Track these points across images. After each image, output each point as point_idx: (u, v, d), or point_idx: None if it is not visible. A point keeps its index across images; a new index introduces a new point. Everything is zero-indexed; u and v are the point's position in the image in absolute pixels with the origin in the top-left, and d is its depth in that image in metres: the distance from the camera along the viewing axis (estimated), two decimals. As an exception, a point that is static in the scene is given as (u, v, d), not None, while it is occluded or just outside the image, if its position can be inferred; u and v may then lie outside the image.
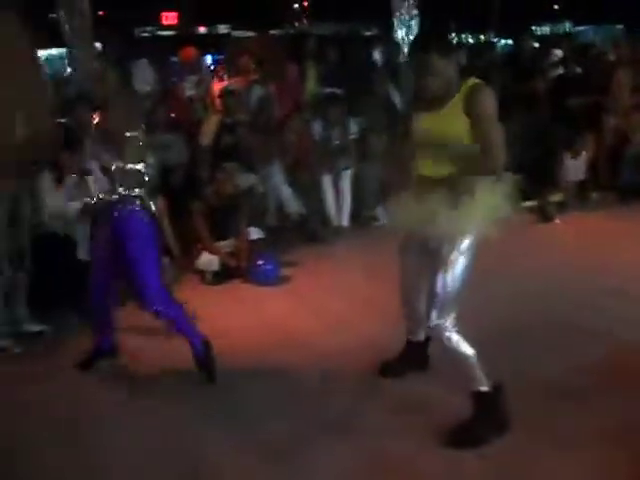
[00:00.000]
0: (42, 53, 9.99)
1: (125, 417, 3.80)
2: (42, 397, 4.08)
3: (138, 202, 4.05)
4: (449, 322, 3.36)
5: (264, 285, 5.90)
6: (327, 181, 7.43)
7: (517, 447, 3.29)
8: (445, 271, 3.39)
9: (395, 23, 11.67)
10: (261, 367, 4.34)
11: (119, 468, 3.34)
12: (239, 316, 5.24)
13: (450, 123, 3.31)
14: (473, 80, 3.35)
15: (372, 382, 4.05)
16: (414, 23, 11.71)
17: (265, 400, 3.92)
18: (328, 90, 8.23)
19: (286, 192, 7.20)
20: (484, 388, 3.37)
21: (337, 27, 16.22)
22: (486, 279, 5.52)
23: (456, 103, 3.30)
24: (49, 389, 4.17)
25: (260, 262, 6.03)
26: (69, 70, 8.73)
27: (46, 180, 5.59)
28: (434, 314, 3.37)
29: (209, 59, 12.20)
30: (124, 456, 3.42)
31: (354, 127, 7.66)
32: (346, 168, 7.48)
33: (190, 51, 8.15)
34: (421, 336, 4.06)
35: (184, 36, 16.71)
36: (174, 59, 10.07)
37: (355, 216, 7.59)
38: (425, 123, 3.43)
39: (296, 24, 18.00)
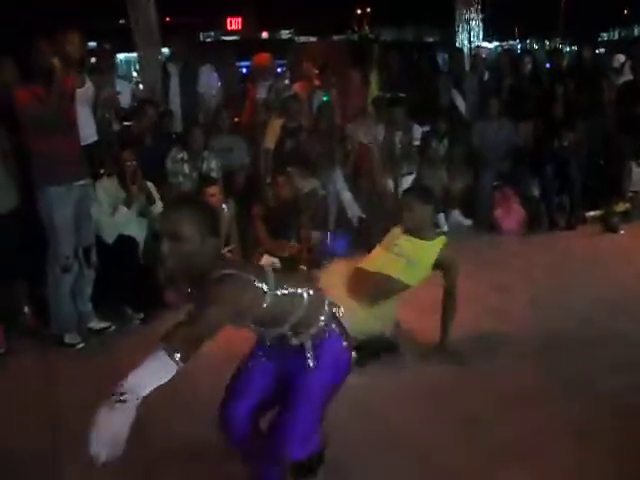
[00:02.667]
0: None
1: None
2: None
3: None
4: None
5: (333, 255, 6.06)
6: (389, 186, 7.42)
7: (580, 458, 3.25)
8: None
9: (458, 28, 11.60)
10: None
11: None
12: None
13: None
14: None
15: (435, 383, 4.03)
16: (478, 28, 11.63)
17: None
18: (391, 96, 8.21)
19: (347, 196, 7.21)
20: None
21: (400, 33, 16.18)
22: (554, 294, 5.52)
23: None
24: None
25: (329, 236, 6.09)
26: (135, 75, 8.92)
27: (110, 182, 5.74)
28: None
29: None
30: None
31: (417, 132, 7.64)
32: (408, 173, 7.46)
33: (264, 56, 8.24)
34: None
35: (247, 41, 16.89)
36: (238, 63, 10.22)
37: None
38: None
39: (358, 30, 18.01)
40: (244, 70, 11.86)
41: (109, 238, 5.57)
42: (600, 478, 3.11)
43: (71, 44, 5.08)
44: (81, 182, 5.04)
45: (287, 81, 8.53)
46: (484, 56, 9.97)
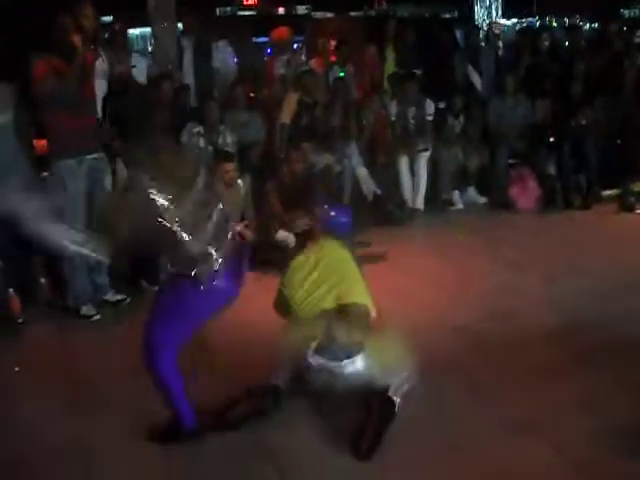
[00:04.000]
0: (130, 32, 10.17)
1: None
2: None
3: None
4: None
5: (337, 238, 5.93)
6: (404, 163, 7.41)
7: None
8: None
9: (476, 5, 11.51)
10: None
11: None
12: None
13: None
14: None
15: (450, 360, 4.05)
16: (495, 5, 11.53)
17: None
18: (406, 71, 8.17)
19: (362, 172, 7.20)
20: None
21: (417, 9, 16.04)
22: (569, 273, 5.50)
23: None
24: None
25: (333, 213, 6.04)
26: (150, 48, 8.91)
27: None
28: None
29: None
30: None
31: (430, 108, 7.60)
32: (423, 150, 7.44)
33: (283, 31, 8.21)
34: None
35: (263, 16, 16.76)
36: (254, 39, 10.20)
37: (431, 199, 7.54)
38: None
39: (375, 6, 17.84)
40: (261, 46, 11.85)
41: None
42: (614, 451, 3.11)
43: (85, 18, 5.08)
44: (94, 155, 5.08)
45: (303, 57, 8.50)
46: (498, 32, 9.86)
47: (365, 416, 3.33)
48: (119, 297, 5.36)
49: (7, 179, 4.53)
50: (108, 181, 5.41)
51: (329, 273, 3.73)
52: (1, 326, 4.90)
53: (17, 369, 4.35)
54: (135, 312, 5.07)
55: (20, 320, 5.04)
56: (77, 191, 4.95)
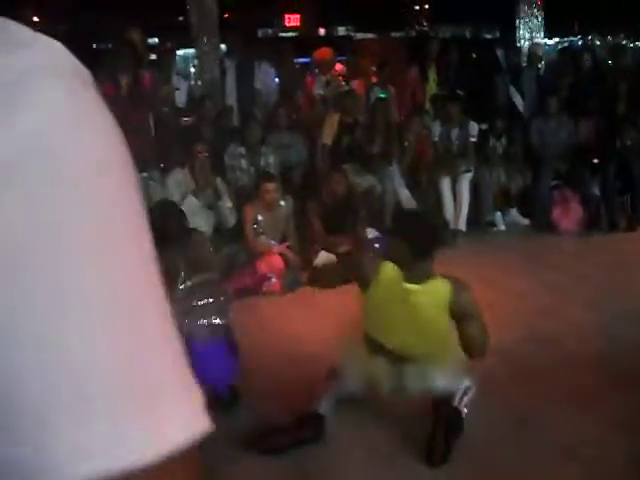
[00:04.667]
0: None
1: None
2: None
3: None
4: None
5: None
6: (446, 184, 7.39)
7: None
8: None
9: (518, 25, 11.45)
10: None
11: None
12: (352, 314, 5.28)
13: None
14: None
15: (490, 382, 4.02)
16: (538, 24, 11.46)
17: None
18: (448, 93, 8.18)
19: (404, 193, 7.20)
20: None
21: (458, 29, 16.05)
22: (611, 296, 5.42)
23: None
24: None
25: (377, 245, 6.06)
26: (192, 70, 9.04)
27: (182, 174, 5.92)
28: None
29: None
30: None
31: (474, 129, 7.59)
32: (466, 171, 7.42)
33: (326, 50, 8.29)
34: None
35: (305, 38, 16.92)
36: (296, 60, 10.25)
37: (473, 221, 7.50)
38: None
39: (417, 26, 17.89)
40: (303, 66, 11.94)
41: None
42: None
43: (140, 42, 5.20)
44: (144, 174, 5.18)
45: (341, 78, 8.55)
46: (540, 53, 9.82)
47: (433, 425, 3.35)
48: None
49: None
50: None
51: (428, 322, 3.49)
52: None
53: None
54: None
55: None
56: None
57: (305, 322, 5.04)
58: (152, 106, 5.96)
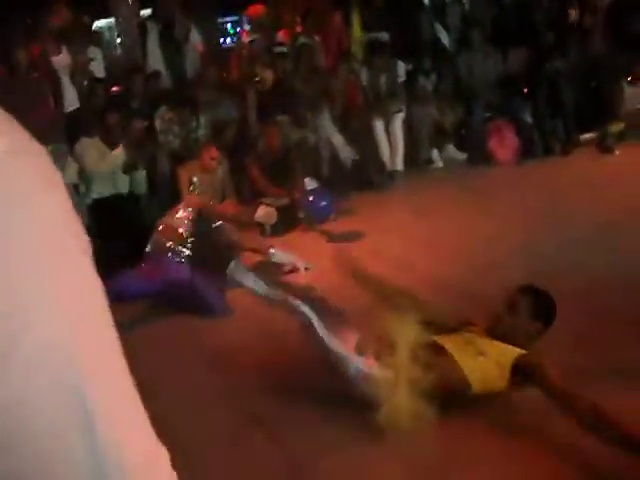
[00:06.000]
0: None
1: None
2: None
3: None
4: None
5: (319, 222, 5.97)
6: (379, 126, 7.39)
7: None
8: None
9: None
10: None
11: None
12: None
13: None
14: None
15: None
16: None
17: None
18: (373, 36, 8.13)
19: (338, 140, 7.19)
20: None
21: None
22: (550, 220, 5.50)
23: None
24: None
25: (311, 198, 6.05)
26: (119, 40, 8.85)
27: (92, 145, 5.80)
28: None
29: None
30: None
31: (401, 69, 7.59)
32: (397, 112, 7.42)
33: (258, 7, 8.19)
34: None
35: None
36: (222, 19, 10.12)
37: (410, 160, 7.54)
38: None
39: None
40: (229, 25, 11.73)
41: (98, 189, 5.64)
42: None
43: (52, 13, 5.08)
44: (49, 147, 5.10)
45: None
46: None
47: None
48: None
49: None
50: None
51: None
52: None
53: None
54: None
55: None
56: None
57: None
58: (53, 79, 5.83)
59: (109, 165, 5.84)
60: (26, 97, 5.00)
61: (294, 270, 5.03)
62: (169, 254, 4.73)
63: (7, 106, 0.53)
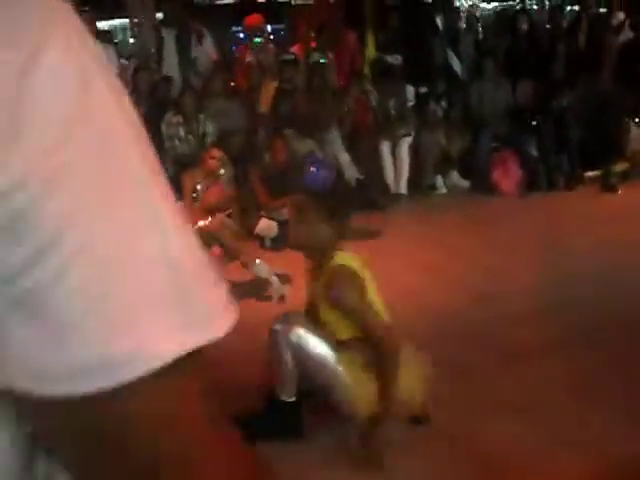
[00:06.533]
0: (105, 24, 10.12)
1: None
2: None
3: None
4: None
5: (319, 190, 5.93)
6: (385, 148, 7.39)
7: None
8: None
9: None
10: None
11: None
12: (297, 281, 5.25)
13: None
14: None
15: (435, 344, 4.03)
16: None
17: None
18: (386, 57, 8.16)
19: (344, 158, 7.17)
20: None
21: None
22: (552, 254, 5.50)
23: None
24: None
25: (313, 169, 6.01)
26: (131, 41, 8.86)
27: None
28: None
29: (269, 29, 12.28)
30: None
31: (410, 94, 7.60)
32: (405, 135, 7.43)
33: (256, 17, 8.20)
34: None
35: (243, 4, 16.65)
36: (234, 28, 10.13)
37: (414, 184, 7.53)
38: None
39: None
40: (240, 35, 11.78)
41: None
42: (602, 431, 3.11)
43: None
44: None
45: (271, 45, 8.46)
46: (478, 17, 9.87)
47: None
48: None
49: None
50: None
51: None
52: None
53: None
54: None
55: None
56: None
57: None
58: None
59: None
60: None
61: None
62: None
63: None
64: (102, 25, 9.80)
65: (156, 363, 0.46)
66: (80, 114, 0.45)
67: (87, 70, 0.47)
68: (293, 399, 3.18)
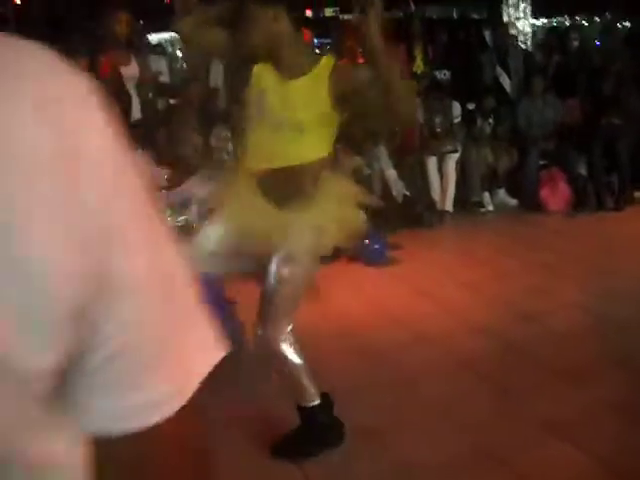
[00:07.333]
0: (157, 37, 10.27)
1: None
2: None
3: None
4: (279, 333, 2.98)
5: (372, 265, 5.93)
6: (432, 164, 7.37)
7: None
8: (277, 284, 2.95)
9: (505, 4, 11.41)
10: (364, 346, 4.38)
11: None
12: (343, 296, 5.29)
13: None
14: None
15: (480, 362, 4.01)
16: (525, 5, 11.43)
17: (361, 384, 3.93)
18: (434, 73, 8.14)
19: (391, 174, 7.16)
20: (310, 403, 3.09)
21: (445, 10, 16.00)
22: (599, 275, 5.43)
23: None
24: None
25: (367, 242, 6.05)
26: (180, 54, 8.96)
27: None
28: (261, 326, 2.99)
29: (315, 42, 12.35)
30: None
31: (457, 110, 7.56)
32: (452, 152, 7.40)
33: (305, 34, 8.23)
34: None
35: (291, 19, 16.73)
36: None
37: (461, 201, 7.49)
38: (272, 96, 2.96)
39: (403, 6, 17.77)
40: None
41: None
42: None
43: (119, 23, 5.14)
44: None
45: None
46: (529, 32, 9.79)
47: None
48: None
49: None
50: None
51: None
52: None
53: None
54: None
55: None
56: None
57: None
58: (122, 89, 5.88)
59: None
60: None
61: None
62: None
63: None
64: (153, 38, 9.92)
65: (189, 394, 0.62)
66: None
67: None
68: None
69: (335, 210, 3.00)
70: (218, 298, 3.79)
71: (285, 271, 2.93)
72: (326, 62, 2.95)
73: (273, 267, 2.93)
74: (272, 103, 2.92)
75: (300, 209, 2.93)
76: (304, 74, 2.93)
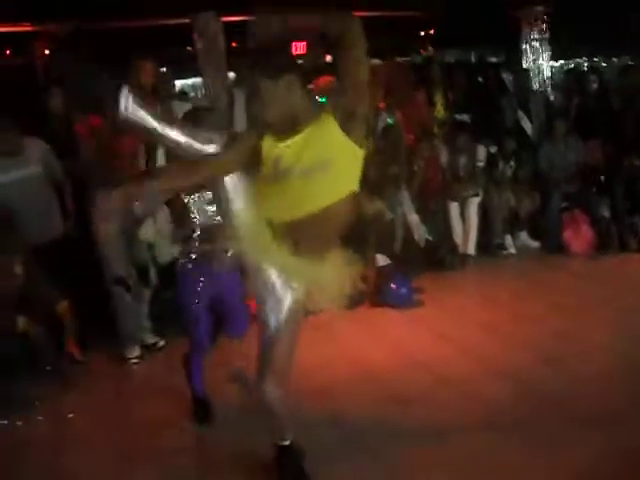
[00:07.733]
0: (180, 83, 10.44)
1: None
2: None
3: None
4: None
5: (399, 307, 5.95)
6: (454, 208, 7.38)
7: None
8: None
9: (524, 48, 11.49)
10: (390, 391, 4.37)
11: None
12: (367, 340, 5.32)
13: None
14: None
15: (503, 408, 3.98)
16: (543, 48, 11.50)
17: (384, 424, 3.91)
18: (456, 117, 8.20)
19: (414, 219, 7.17)
20: (285, 442, 3.25)
21: (464, 54, 16.13)
22: (624, 317, 5.38)
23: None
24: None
25: (394, 285, 6.07)
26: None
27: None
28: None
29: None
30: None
31: (481, 154, 7.59)
32: (474, 195, 7.42)
33: (326, 78, 8.33)
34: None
35: (311, 65, 16.96)
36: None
37: (483, 244, 7.49)
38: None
39: (422, 51, 17.91)
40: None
41: (163, 259, 5.67)
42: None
43: (144, 72, 5.27)
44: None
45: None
46: (547, 76, 9.84)
47: None
48: (154, 340, 5.54)
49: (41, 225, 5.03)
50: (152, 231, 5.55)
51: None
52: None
53: (71, 415, 4.43)
54: (170, 355, 5.07)
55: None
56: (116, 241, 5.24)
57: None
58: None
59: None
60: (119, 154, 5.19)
61: None
62: None
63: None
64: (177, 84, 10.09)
65: None
66: None
67: None
68: None
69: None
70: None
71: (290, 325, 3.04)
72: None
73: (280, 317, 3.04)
74: (289, 163, 2.87)
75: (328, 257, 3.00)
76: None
